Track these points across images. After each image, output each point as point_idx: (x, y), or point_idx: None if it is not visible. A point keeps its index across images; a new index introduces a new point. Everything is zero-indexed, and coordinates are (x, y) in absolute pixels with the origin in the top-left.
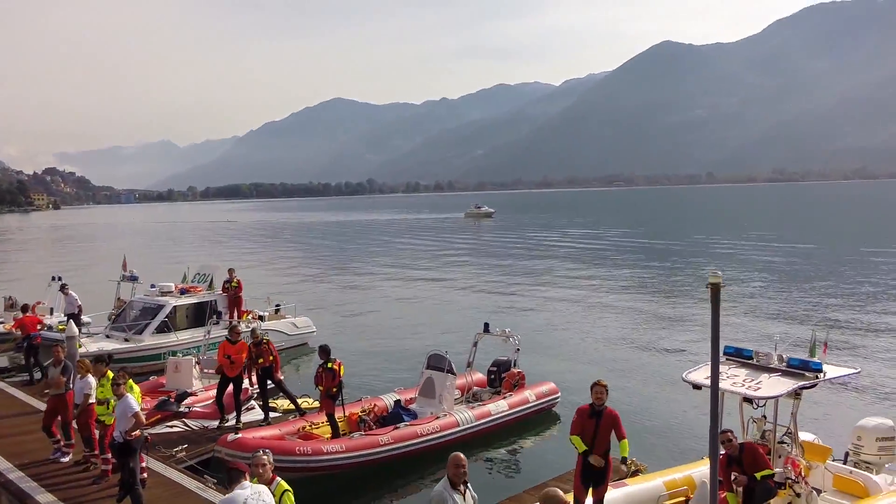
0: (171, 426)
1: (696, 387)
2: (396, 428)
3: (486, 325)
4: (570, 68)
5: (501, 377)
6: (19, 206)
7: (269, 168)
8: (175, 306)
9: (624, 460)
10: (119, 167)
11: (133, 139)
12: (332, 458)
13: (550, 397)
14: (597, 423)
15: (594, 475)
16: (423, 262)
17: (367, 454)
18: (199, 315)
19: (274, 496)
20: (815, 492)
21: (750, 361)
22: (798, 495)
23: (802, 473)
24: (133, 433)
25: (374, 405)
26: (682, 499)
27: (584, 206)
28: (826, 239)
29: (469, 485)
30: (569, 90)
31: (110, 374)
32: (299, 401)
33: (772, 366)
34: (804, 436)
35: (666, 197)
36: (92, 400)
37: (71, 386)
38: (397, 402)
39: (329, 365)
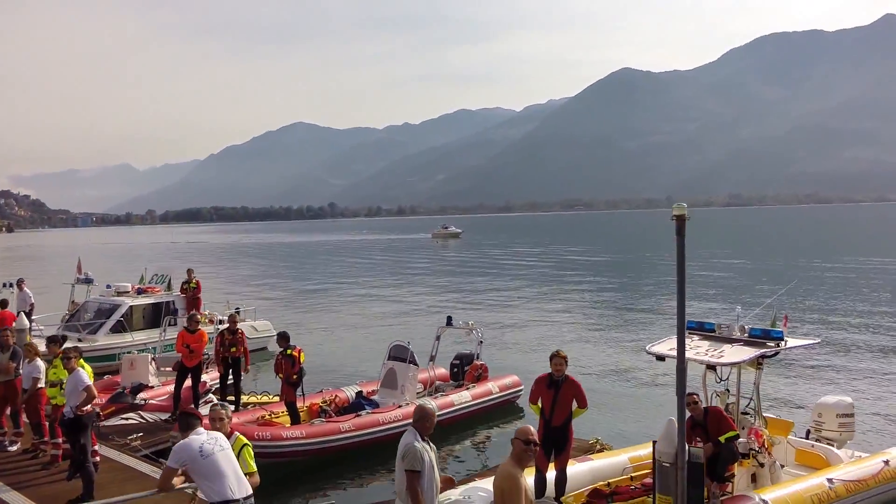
0: (126, 418)
1: (660, 358)
2: (358, 415)
3: (449, 318)
4: (530, 94)
5: (464, 370)
6: None
7: (230, 192)
8: (131, 306)
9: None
10: (75, 190)
11: (90, 162)
12: (292, 443)
13: (513, 390)
14: (556, 392)
15: (555, 444)
16: (390, 274)
17: (327, 441)
18: (157, 316)
19: (233, 450)
20: (777, 462)
21: (712, 334)
22: (762, 465)
23: (766, 444)
24: (84, 408)
25: (336, 396)
26: (648, 471)
27: (548, 228)
28: (781, 255)
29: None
30: (530, 116)
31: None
32: (259, 397)
33: (734, 336)
34: (765, 415)
35: (626, 219)
36: (41, 385)
37: (20, 372)
38: (359, 393)
39: (288, 352)
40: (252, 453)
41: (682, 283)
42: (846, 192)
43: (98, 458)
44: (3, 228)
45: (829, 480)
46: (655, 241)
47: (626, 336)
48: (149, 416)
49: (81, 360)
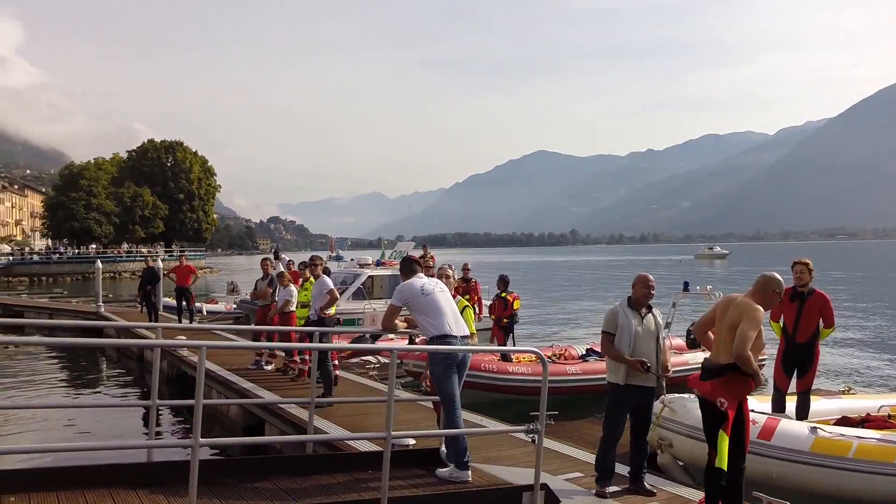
0: (365, 360)
1: None
2: (585, 361)
3: (686, 283)
4: (785, 116)
5: None
6: (247, 249)
7: (473, 219)
8: (371, 276)
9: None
10: (333, 217)
11: (346, 191)
12: (516, 378)
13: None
14: (800, 305)
15: (798, 364)
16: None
17: (552, 380)
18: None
19: None
20: None
21: None
22: None
23: None
24: (327, 311)
25: (566, 350)
26: None
27: (827, 255)
28: None
29: (654, 310)
30: (784, 139)
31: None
32: None
33: None
34: None
35: None
36: (292, 308)
37: (276, 298)
38: (589, 349)
39: (503, 295)
40: (472, 316)
41: None
42: None
43: (338, 373)
44: (272, 250)
45: None
46: None
47: None
48: (386, 360)
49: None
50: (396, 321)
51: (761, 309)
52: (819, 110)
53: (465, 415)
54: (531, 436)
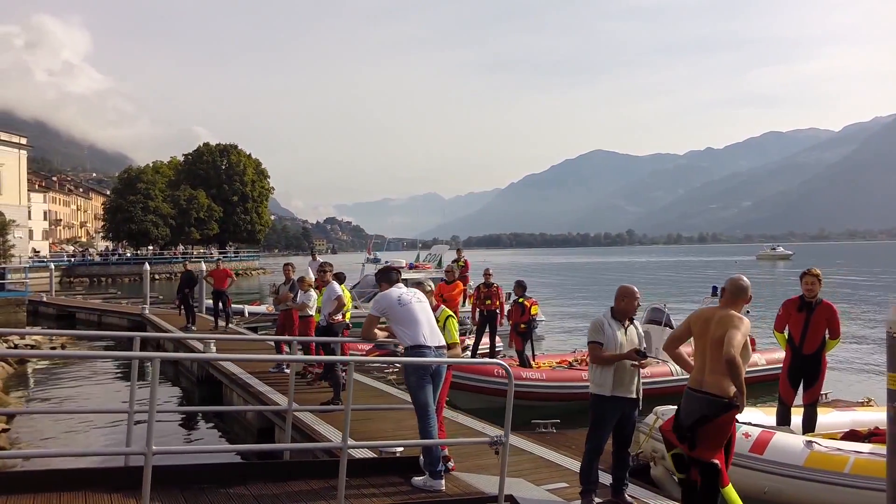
0: (388, 363)
1: None
2: None
3: (715, 288)
4: (851, 112)
5: None
6: (303, 250)
7: (529, 219)
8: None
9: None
10: (388, 217)
11: (401, 192)
12: (530, 384)
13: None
14: (807, 316)
15: (805, 375)
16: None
17: (567, 386)
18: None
19: (438, 321)
20: None
21: None
22: None
23: None
24: (335, 317)
25: (587, 356)
26: None
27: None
28: None
29: (636, 322)
30: (850, 136)
31: None
32: None
33: None
34: None
35: None
36: (311, 312)
37: (297, 302)
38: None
39: (521, 300)
40: (456, 326)
41: None
42: None
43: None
44: (328, 251)
45: None
46: None
47: None
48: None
49: (344, 286)
50: (376, 330)
51: (747, 321)
52: (887, 105)
53: (469, 421)
54: (495, 447)
